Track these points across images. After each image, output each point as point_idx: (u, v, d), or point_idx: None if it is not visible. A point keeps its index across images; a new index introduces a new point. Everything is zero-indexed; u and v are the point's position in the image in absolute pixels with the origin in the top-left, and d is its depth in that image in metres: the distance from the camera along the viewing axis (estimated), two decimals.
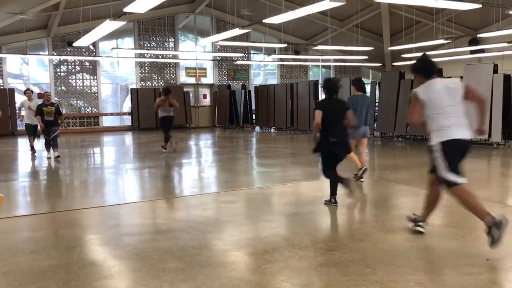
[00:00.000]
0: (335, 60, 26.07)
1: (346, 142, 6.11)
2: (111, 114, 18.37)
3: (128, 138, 18.41)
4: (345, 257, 4.03)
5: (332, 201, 6.00)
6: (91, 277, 3.73)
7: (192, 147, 15.08)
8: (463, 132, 4.62)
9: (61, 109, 11.75)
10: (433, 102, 4.43)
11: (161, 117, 12.42)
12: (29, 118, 12.15)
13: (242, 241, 4.62)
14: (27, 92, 12.70)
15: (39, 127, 11.56)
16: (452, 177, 4.36)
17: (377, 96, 16.38)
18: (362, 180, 7.67)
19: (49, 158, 11.17)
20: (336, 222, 5.45)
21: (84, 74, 22.02)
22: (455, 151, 4.48)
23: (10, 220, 5.45)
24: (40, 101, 11.88)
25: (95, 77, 22.15)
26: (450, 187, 4.36)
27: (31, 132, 12.40)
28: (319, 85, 18.69)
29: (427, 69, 4.66)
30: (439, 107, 4.40)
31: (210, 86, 24.76)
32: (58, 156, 11.19)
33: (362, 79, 8.98)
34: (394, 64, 24.23)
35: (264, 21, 13.09)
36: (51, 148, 11.29)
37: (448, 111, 4.45)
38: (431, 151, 4.40)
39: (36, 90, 21.68)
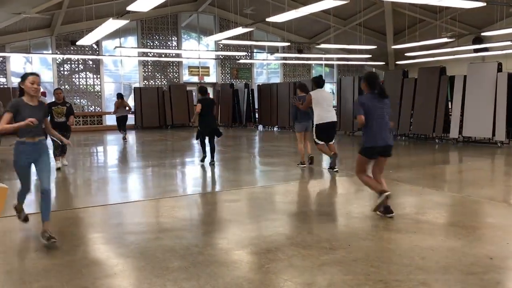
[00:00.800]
0: (338, 59, 26.03)
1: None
2: (114, 112, 18.28)
3: (131, 137, 18.43)
4: (349, 256, 4.02)
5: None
6: (94, 275, 3.73)
7: (195, 146, 15.08)
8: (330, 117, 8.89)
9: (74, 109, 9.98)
10: (318, 101, 8.77)
11: (118, 116, 15.95)
12: None
13: (245, 240, 4.62)
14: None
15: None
16: (317, 140, 9.01)
17: None
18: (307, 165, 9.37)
19: (58, 169, 9.34)
20: (339, 221, 5.44)
21: (88, 73, 22.06)
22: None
23: (14, 219, 5.46)
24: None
25: (99, 76, 22.19)
26: (316, 144, 9.09)
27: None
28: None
29: (318, 82, 9.04)
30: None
31: (213, 85, 24.77)
32: (66, 165, 9.91)
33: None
34: (397, 62, 24.19)
35: (267, 19, 13.08)
36: (60, 157, 9.73)
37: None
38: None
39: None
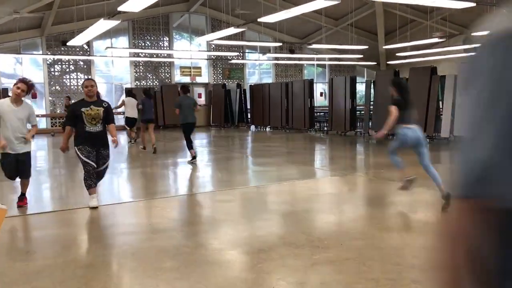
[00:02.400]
0: (330, 59, 26.10)
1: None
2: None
3: (123, 137, 18.35)
4: (341, 255, 4.04)
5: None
6: (87, 276, 3.72)
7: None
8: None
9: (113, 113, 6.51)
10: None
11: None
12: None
13: (238, 240, 4.62)
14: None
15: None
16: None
17: (372, 95, 16.41)
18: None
19: (94, 208, 5.94)
20: (332, 220, 5.46)
21: (79, 73, 21.93)
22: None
23: (6, 220, 5.42)
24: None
25: (90, 77, 22.07)
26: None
27: None
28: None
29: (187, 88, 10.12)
30: None
31: (205, 85, 24.73)
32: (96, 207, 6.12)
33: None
34: (388, 62, 24.29)
35: (259, 20, 13.09)
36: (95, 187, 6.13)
37: None
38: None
39: None
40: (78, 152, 5.90)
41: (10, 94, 6.78)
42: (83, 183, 6.04)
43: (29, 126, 6.07)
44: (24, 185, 6.18)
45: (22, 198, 6.18)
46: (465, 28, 20.87)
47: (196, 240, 4.64)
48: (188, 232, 4.99)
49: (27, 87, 5.77)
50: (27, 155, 6.01)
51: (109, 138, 6.16)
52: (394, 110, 6.10)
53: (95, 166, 5.95)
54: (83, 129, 5.88)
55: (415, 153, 6.20)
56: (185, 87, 10.44)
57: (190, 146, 9.97)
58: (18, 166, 5.89)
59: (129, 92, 14.27)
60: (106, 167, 6.28)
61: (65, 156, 11.66)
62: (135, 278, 3.67)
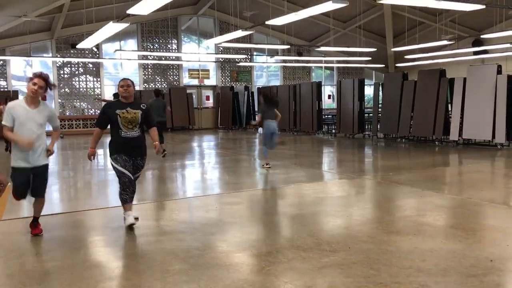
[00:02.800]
0: (338, 62, 26.07)
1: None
2: None
3: None
4: (349, 259, 4.03)
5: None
6: (95, 278, 3.74)
7: (195, 149, 15.10)
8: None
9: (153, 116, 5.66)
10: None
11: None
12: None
13: (245, 243, 4.62)
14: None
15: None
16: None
17: (380, 97, 16.36)
18: None
19: (132, 226, 5.17)
20: (340, 223, 5.44)
21: (88, 76, 22.08)
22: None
23: (15, 222, 5.47)
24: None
25: (99, 79, 22.21)
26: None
27: None
28: (322, 86, 18.74)
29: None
30: None
31: (213, 87, 24.79)
32: (137, 218, 5.38)
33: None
34: (397, 65, 24.21)
35: (267, 22, 13.10)
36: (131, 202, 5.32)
37: None
38: None
39: None
40: (113, 162, 5.19)
41: (20, 97, 6.28)
42: (118, 197, 5.23)
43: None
44: (39, 206, 5.01)
45: (36, 224, 5.02)
46: (474, 30, 20.74)
47: (204, 242, 4.65)
48: (196, 234, 4.99)
49: (45, 83, 4.68)
50: (46, 168, 4.87)
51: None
52: (258, 118, 9.80)
53: (132, 177, 5.22)
54: (118, 135, 5.13)
55: (270, 138, 9.61)
56: (157, 91, 12.39)
57: (161, 141, 10.72)
58: (33, 181, 4.76)
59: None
60: (137, 177, 5.45)
61: (74, 157, 11.72)
62: (143, 280, 3.68)
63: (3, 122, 4.58)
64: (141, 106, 5.33)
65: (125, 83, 5.25)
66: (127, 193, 5.18)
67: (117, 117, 5.12)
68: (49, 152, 4.84)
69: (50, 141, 4.95)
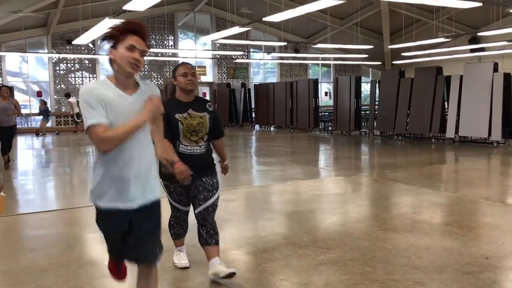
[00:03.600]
0: (335, 59, 26.07)
1: None
2: None
3: None
4: (345, 256, 4.03)
5: None
6: (90, 275, 3.72)
7: None
8: None
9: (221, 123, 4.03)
10: None
11: None
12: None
13: (241, 240, 4.62)
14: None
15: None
16: None
17: (377, 95, 16.37)
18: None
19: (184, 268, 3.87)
20: (336, 220, 5.44)
21: (84, 72, 22.01)
22: None
23: (10, 218, 5.45)
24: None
25: (95, 75, 22.14)
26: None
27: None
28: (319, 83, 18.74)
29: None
30: None
31: (209, 84, 24.75)
32: (233, 274, 3.50)
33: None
34: (394, 62, 24.24)
35: (264, 19, 13.08)
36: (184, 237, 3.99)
37: None
38: None
39: (35, 88, 21.68)
40: (165, 190, 3.62)
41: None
42: (168, 229, 3.85)
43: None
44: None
45: None
46: (471, 28, 20.77)
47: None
48: (192, 231, 4.98)
49: (146, 45, 2.38)
50: (158, 205, 2.80)
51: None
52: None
53: (187, 210, 3.76)
54: (175, 151, 3.32)
55: None
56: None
57: None
58: (141, 232, 2.58)
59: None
60: (213, 206, 3.70)
61: (70, 154, 11.68)
62: None
63: (90, 121, 2.25)
64: (207, 106, 3.61)
65: (188, 70, 3.46)
66: (180, 227, 3.85)
67: (177, 123, 3.41)
68: (172, 164, 2.98)
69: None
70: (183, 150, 3.49)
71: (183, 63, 3.59)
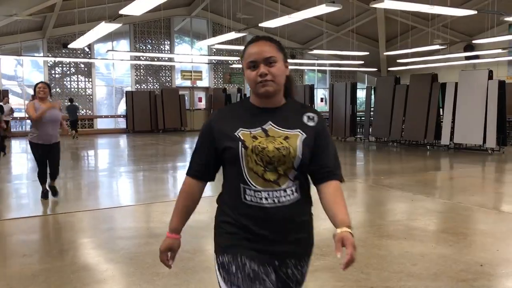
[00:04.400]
0: (331, 65, 26.14)
1: None
2: (106, 116, 18.15)
3: (123, 140, 18.35)
4: (340, 263, 4.01)
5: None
6: (83, 281, 3.69)
7: (187, 150, 15.04)
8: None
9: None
10: None
11: None
12: None
13: None
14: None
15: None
16: None
17: (372, 101, 16.42)
18: None
19: None
20: (330, 227, 5.43)
21: (79, 76, 21.94)
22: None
23: (2, 223, 5.41)
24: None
25: (90, 79, 22.08)
26: None
27: None
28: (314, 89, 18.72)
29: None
30: None
31: (205, 89, 24.75)
32: None
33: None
34: (389, 69, 24.32)
35: (260, 25, 13.10)
36: None
37: None
38: None
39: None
40: (221, 274, 2.02)
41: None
42: None
43: None
44: None
45: None
46: (466, 35, 20.90)
47: (195, 245, 4.61)
48: (187, 237, 4.94)
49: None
50: None
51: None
52: None
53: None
54: (238, 196, 1.99)
55: None
56: (71, 99, 14.92)
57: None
58: None
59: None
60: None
61: (63, 157, 11.60)
62: (132, 283, 3.64)
63: None
64: (305, 117, 1.97)
65: (258, 56, 1.90)
66: None
67: (238, 146, 1.87)
68: None
69: None
70: (250, 198, 1.91)
71: (256, 38, 1.95)
